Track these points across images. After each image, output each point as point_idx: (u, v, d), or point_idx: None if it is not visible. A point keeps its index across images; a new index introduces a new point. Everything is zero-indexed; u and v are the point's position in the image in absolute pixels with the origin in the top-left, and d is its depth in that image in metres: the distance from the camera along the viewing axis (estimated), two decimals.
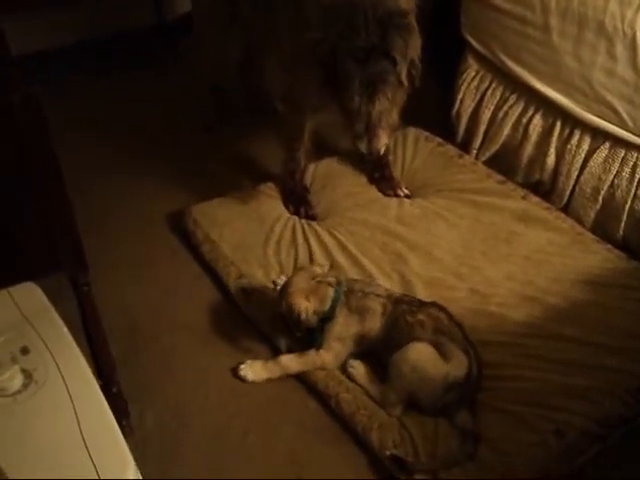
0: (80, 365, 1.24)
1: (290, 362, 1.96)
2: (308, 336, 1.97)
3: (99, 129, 3.17)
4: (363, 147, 2.18)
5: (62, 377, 1.19)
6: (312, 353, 1.95)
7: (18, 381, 1.17)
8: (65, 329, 1.30)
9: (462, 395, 1.81)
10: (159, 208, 2.67)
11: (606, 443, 1.79)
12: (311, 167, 2.77)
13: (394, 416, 1.84)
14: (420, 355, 1.82)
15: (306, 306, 1.90)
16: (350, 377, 1.94)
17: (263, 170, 2.86)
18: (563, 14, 2.31)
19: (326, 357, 1.94)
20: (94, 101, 3.33)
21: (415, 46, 2.05)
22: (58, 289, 1.58)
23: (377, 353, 1.95)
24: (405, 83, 2.07)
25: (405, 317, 1.88)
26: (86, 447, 1.13)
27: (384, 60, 1.97)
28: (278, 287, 2.09)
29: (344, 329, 1.93)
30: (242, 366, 1.98)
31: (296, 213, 2.59)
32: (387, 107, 2.09)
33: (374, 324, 1.91)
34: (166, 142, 3.07)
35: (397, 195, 2.66)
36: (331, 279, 1.98)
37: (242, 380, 1.97)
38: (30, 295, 1.35)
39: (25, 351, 1.23)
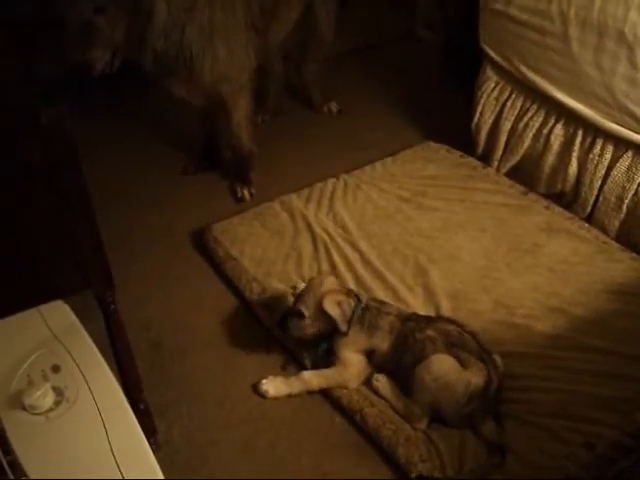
0: (110, 383, 1.25)
1: (312, 378, 1.96)
2: (314, 344, 2.00)
3: (121, 146, 3.21)
4: (75, 58, 2.26)
5: (92, 395, 1.20)
6: (334, 370, 1.94)
7: (50, 399, 1.19)
8: (94, 347, 1.32)
9: (484, 404, 1.80)
10: (182, 225, 2.70)
11: (637, 455, 1.77)
12: (340, 179, 2.83)
13: (420, 429, 1.83)
14: (442, 365, 1.82)
15: (348, 301, 1.92)
16: (375, 391, 1.93)
17: (279, 185, 2.87)
18: (582, 23, 2.30)
19: (346, 374, 1.93)
20: (115, 118, 3.38)
21: None
22: (84, 306, 1.61)
23: (389, 372, 1.94)
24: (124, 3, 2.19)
25: (414, 334, 1.88)
26: (117, 464, 1.13)
27: None
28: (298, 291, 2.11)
29: (352, 343, 1.93)
30: (263, 381, 1.98)
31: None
32: (101, 21, 2.20)
33: (382, 342, 1.92)
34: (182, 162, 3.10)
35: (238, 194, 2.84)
36: (355, 291, 2.00)
37: (263, 396, 1.97)
38: (60, 313, 1.37)
39: (56, 369, 1.25)
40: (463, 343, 1.86)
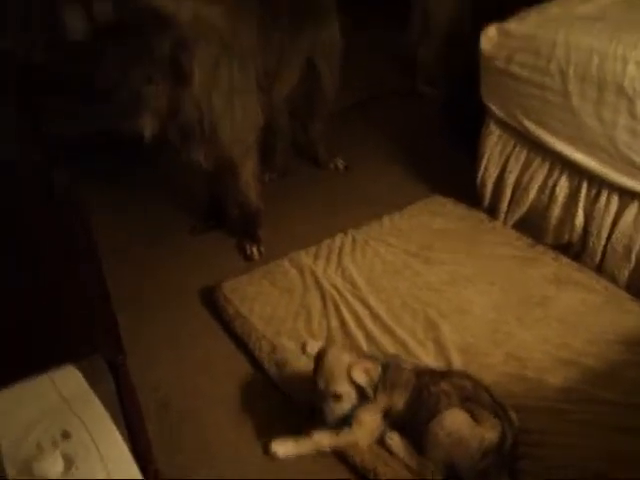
0: (121, 450, 1.24)
1: (322, 438, 1.93)
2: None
3: (129, 207, 3.26)
4: (125, 126, 2.33)
5: (103, 462, 1.19)
6: (346, 430, 1.91)
7: (59, 466, 1.17)
8: (105, 413, 1.31)
9: (499, 460, 1.77)
10: (192, 284, 2.71)
11: None
12: (349, 234, 2.85)
13: None
14: (455, 420, 1.80)
15: (375, 368, 1.87)
16: (388, 449, 1.90)
17: (287, 243, 2.90)
18: (582, 79, 2.34)
19: (359, 434, 1.90)
20: (123, 179, 3.43)
21: (174, 39, 2.22)
22: (95, 368, 1.61)
23: (403, 428, 1.91)
24: (170, 72, 2.26)
25: (429, 388, 1.87)
26: None
27: (137, 40, 2.18)
28: (308, 350, 2.11)
29: (374, 406, 1.89)
30: (273, 443, 1.95)
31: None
32: (150, 90, 2.27)
33: (399, 398, 1.90)
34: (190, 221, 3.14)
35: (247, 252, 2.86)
36: (376, 355, 1.98)
37: (273, 457, 1.94)
38: (70, 379, 1.37)
39: (66, 435, 1.24)
40: (477, 398, 1.85)
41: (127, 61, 2.21)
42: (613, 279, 2.50)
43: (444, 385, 1.86)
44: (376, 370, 1.85)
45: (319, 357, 1.90)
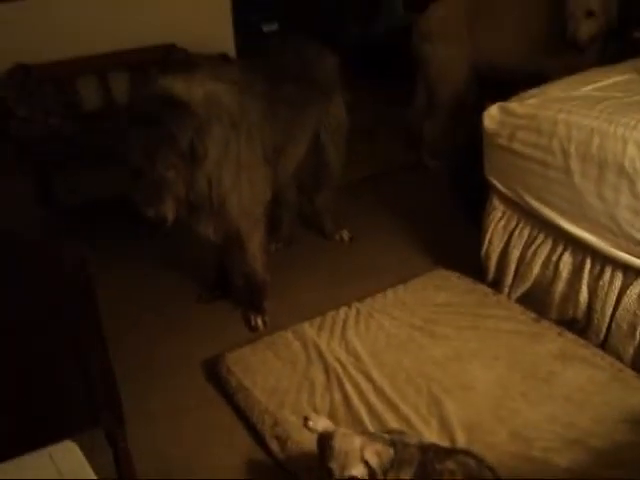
0: None
1: None
2: None
3: (134, 275, 3.28)
4: (150, 212, 2.33)
5: None
6: None
7: None
8: None
9: None
10: (196, 353, 2.71)
11: None
12: (353, 307, 2.85)
13: None
14: None
15: (386, 450, 1.82)
16: None
17: (291, 313, 2.90)
18: (583, 157, 2.39)
19: None
20: (129, 247, 3.47)
21: (193, 127, 2.30)
22: (93, 441, 1.60)
23: None
24: (188, 156, 2.31)
25: (433, 465, 1.83)
26: None
27: (160, 130, 2.23)
28: (310, 424, 2.07)
29: None
30: None
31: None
32: (172, 175, 2.31)
33: (407, 475, 1.84)
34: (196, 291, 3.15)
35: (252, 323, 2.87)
36: (380, 434, 1.93)
37: None
38: (69, 454, 1.35)
39: None
40: (482, 477, 1.81)
41: (153, 150, 2.27)
42: (618, 356, 2.48)
43: (449, 463, 1.83)
44: (388, 453, 1.80)
45: (326, 439, 1.84)
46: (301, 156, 3.00)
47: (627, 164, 2.26)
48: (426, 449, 1.89)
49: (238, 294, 3.03)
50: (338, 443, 1.80)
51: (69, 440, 1.39)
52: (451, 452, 1.91)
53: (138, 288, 3.18)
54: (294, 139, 2.87)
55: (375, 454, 1.77)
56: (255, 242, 2.79)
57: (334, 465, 1.77)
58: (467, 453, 1.90)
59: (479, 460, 1.87)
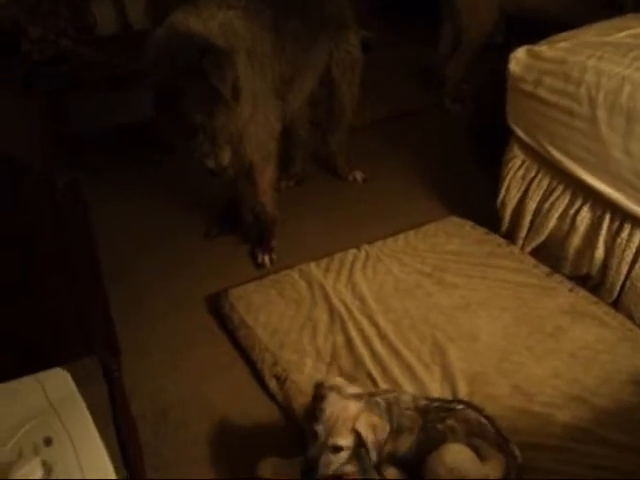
0: (102, 462, 1.19)
1: None
2: None
3: (142, 209, 3.24)
4: (211, 164, 2.38)
5: (82, 473, 1.14)
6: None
7: (37, 474, 1.13)
8: (91, 422, 1.26)
9: None
10: (200, 288, 2.68)
11: None
12: (362, 249, 2.80)
13: None
14: (456, 457, 1.72)
15: (382, 425, 1.71)
16: None
17: (299, 253, 2.85)
18: (611, 107, 2.28)
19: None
20: (137, 180, 3.41)
21: (233, 72, 2.29)
22: (87, 371, 1.57)
23: (405, 462, 1.81)
24: (231, 101, 2.31)
25: (435, 426, 1.78)
26: None
27: (209, 85, 2.23)
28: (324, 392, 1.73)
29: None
30: (261, 466, 1.84)
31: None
32: (225, 122, 2.35)
33: (405, 442, 1.78)
34: (203, 224, 3.10)
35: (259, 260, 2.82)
36: (381, 402, 1.78)
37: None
38: (59, 382, 1.33)
39: (48, 442, 1.20)
40: (483, 433, 1.78)
41: (209, 106, 2.28)
42: (629, 316, 2.42)
43: (450, 421, 1.78)
44: (383, 428, 1.69)
45: (319, 397, 1.70)
46: (309, 91, 2.92)
47: None
48: (425, 411, 1.82)
49: (246, 230, 2.98)
50: (331, 406, 1.66)
51: (60, 368, 1.36)
52: (451, 408, 1.84)
53: (143, 220, 3.14)
54: (302, 74, 2.78)
55: (370, 427, 1.65)
56: (266, 177, 2.73)
57: (320, 428, 1.64)
58: (466, 404, 1.86)
59: (479, 412, 1.83)
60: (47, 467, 1.15)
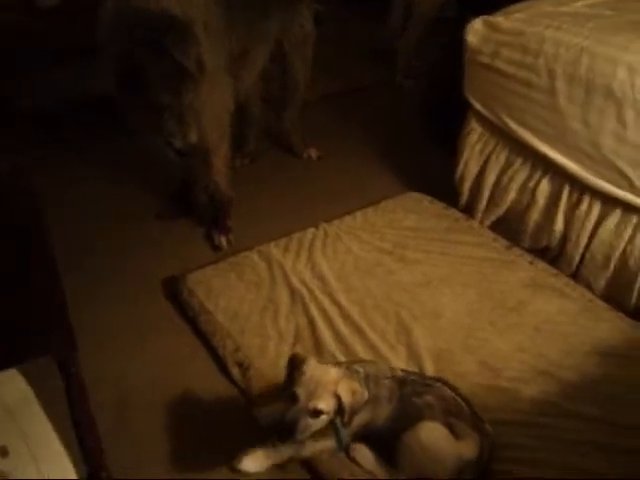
0: (64, 467, 1.11)
1: (290, 450, 1.78)
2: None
3: (92, 192, 3.10)
4: (179, 144, 2.30)
5: None
6: (317, 439, 1.74)
7: None
8: (50, 427, 1.18)
9: (474, 476, 1.70)
10: (155, 273, 2.58)
11: None
12: (320, 228, 2.75)
13: None
14: (431, 434, 1.71)
15: (362, 393, 1.68)
16: (354, 461, 1.81)
17: (256, 233, 2.78)
18: (570, 79, 2.26)
19: (330, 443, 1.77)
20: (86, 162, 3.27)
21: (196, 47, 2.21)
22: (41, 368, 1.48)
23: (380, 437, 1.79)
24: (198, 75, 2.24)
25: (412, 399, 1.76)
26: None
27: (174, 62, 2.15)
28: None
29: (356, 419, 1.71)
30: (243, 459, 1.78)
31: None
32: (192, 99, 2.27)
33: (383, 412, 1.76)
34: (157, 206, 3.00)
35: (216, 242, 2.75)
36: (360, 370, 1.76)
37: (243, 473, 1.77)
38: (13, 385, 1.24)
39: (4, 453, 1.11)
40: (458, 411, 1.76)
41: (175, 85, 2.20)
42: (589, 287, 2.44)
43: (428, 397, 1.76)
44: (362, 395, 1.66)
45: (298, 361, 1.67)
46: (262, 67, 2.84)
47: (616, 87, 2.14)
48: (403, 382, 1.80)
49: (201, 212, 2.88)
50: (311, 369, 1.63)
51: (13, 369, 1.27)
52: (428, 384, 1.83)
53: (93, 205, 3.01)
54: (255, 48, 2.69)
55: (350, 391, 1.63)
56: (221, 155, 2.65)
57: (301, 391, 1.60)
58: (443, 383, 1.84)
59: (454, 389, 1.82)
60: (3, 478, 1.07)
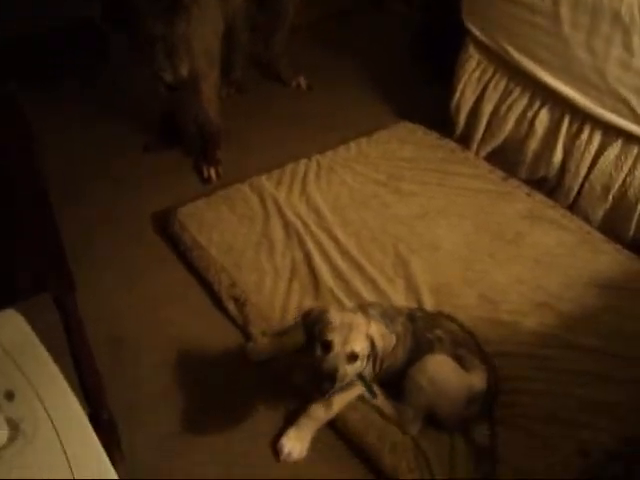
0: (71, 407, 1.08)
1: (320, 411, 1.71)
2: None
3: (76, 125, 2.98)
4: (169, 77, 2.31)
5: (53, 426, 1.03)
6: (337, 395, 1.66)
7: (3, 434, 1.01)
8: (52, 365, 1.14)
9: (483, 408, 1.71)
10: (145, 207, 2.52)
11: (629, 460, 1.69)
12: (313, 160, 2.68)
13: (412, 434, 1.71)
14: (438, 367, 1.70)
15: (391, 337, 1.64)
16: (380, 410, 1.76)
17: (246, 165, 2.71)
18: (575, 3, 2.18)
19: (358, 392, 1.70)
20: (68, 96, 3.13)
21: None
22: (39, 305, 1.43)
23: (395, 378, 1.76)
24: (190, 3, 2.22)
25: (424, 334, 1.74)
26: None
27: None
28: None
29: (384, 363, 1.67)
30: (286, 447, 1.72)
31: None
32: (185, 30, 2.24)
33: (401, 351, 1.73)
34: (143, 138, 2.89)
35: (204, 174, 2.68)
36: (374, 312, 1.73)
37: (287, 457, 1.72)
38: (12, 325, 1.18)
39: (10, 396, 1.07)
40: (467, 343, 1.76)
41: (169, 16, 2.17)
42: (586, 218, 2.42)
43: (437, 331, 1.75)
44: (391, 340, 1.63)
45: (318, 314, 1.61)
46: None
47: (624, 12, 2.08)
48: (412, 318, 1.78)
49: (189, 143, 2.79)
50: (340, 317, 1.58)
51: (11, 309, 1.22)
52: (435, 318, 1.82)
53: (77, 138, 2.89)
54: None
55: (380, 334, 1.59)
56: (211, 82, 2.55)
57: (336, 337, 1.54)
58: (450, 317, 1.84)
59: (460, 324, 1.81)
60: (13, 424, 1.03)
